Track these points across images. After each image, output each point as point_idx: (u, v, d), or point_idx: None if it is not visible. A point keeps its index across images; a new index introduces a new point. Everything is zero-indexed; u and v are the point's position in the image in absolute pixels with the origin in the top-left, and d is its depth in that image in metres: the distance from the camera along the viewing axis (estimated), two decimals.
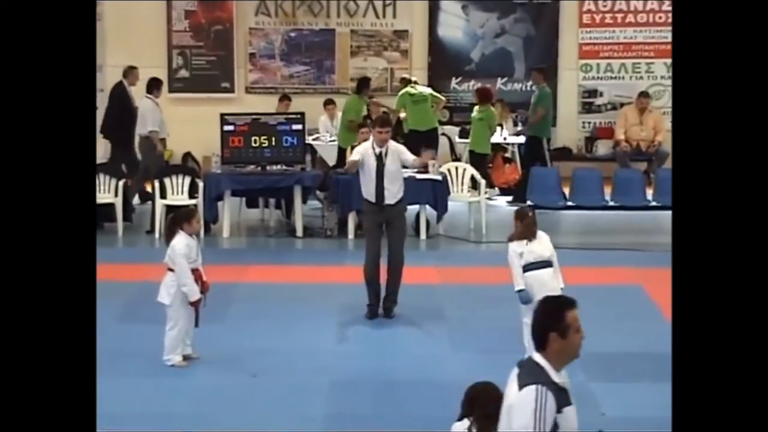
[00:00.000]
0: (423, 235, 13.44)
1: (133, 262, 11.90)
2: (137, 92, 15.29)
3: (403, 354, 8.86)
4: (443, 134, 17.27)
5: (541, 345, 4.28)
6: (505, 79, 18.67)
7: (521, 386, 4.19)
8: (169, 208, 12.27)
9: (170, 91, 17.56)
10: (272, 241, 13.69)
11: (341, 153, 15.19)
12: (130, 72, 15.34)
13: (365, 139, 10.61)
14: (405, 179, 10.13)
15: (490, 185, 16.20)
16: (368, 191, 9.80)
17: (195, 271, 8.34)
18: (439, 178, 13.43)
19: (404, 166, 10.03)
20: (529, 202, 14.28)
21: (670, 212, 13.71)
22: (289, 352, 8.76)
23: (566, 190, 15.85)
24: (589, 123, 18.78)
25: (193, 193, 13.64)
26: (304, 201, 13.89)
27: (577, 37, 18.59)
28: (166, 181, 13.65)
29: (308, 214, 14.16)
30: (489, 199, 15.94)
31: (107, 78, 16.89)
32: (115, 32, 17.81)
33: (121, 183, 13.79)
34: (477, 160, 15.79)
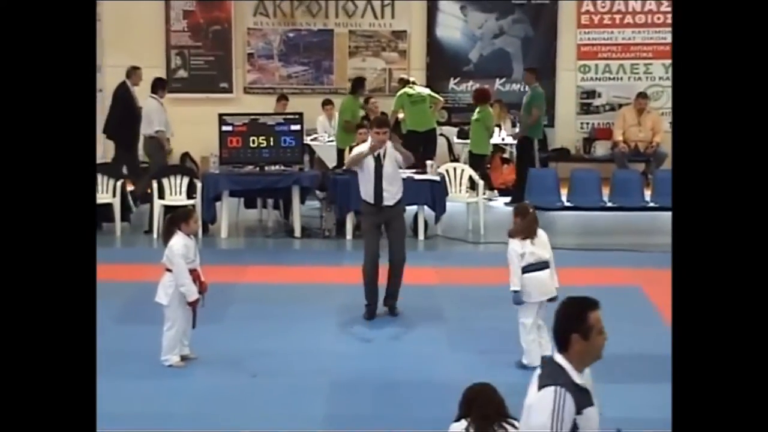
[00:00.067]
0: (421, 236, 13.44)
1: (131, 263, 11.89)
2: (139, 92, 15.29)
3: (402, 354, 8.85)
4: (441, 135, 17.28)
5: (563, 346, 4.27)
6: (504, 79, 18.70)
7: (540, 387, 4.19)
8: (167, 209, 12.27)
9: (168, 91, 17.45)
10: (270, 242, 13.69)
11: (340, 154, 15.19)
12: (133, 72, 15.33)
13: (364, 140, 10.60)
14: (403, 180, 10.13)
15: (490, 187, 16.21)
16: (367, 192, 9.79)
17: (193, 272, 8.33)
18: (437, 178, 13.44)
19: (399, 166, 10.02)
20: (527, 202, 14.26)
21: (668, 213, 13.85)
22: (288, 353, 8.75)
23: (564, 191, 15.85)
24: (588, 124, 18.79)
25: (191, 193, 13.64)
26: (303, 201, 13.90)
27: (575, 37, 18.61)
28: (165, 181, 13.65)
29: (306, 215, 14.16)
30: (489, 199, 15.98)
31: (106, 78, 16.89)
32: (113, 32, 17.83)
33: (119, 183, 13.79)
34: (476, 160, 15.81)
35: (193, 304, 8.29)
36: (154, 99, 14.80)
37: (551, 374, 4.21)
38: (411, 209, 12.49)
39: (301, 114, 14.13)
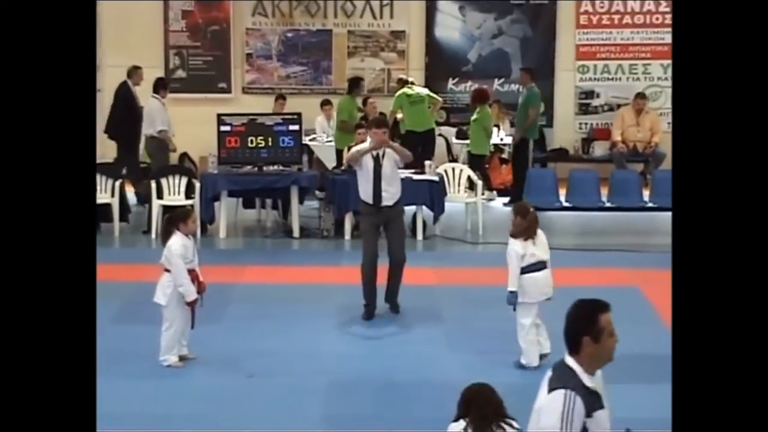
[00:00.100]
0: (420, 236, 13.44)
1: (129, 263, 11.88)
2: (140, 92, 15.28)
3: (400, 355, 8.85)
4: (440, 135, 17.27)
5: (574, 349, 4.27)
6: (502, 79, 18.71)
7: (550, 390, 4.19)
8: (166, 209, 12.27)
9: None
10: (269, 242, 13.68)
11: (338, 154, 15.19)
12: (134, 72, 15.32)
13: (362, 140, 10.60)
14: (402, 180, 10.12)
15: (489, 187, 16.21)
16: (366, 192, 9.78)
17: (191, 272, 8.32)
18: (436, 178, 13.44)
19: (398, 166, 10.01)
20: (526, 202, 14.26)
21: (666, 213, 13.86)
22: (286, 353, 8.75)
23: (563, 191, 15.85)
24: (586, 124, 18.80)
25: (189, 193, 13.63)
26: (301, 201, 13.90)
27: (574, 38, 18.62)
28: (163, 181, 13.64)
29: (305, 215, 14.16)
30: (489, 200, 15.98)
31: (104, 78, 16.88)
32: (112, 32, 17.81)
33: (117, 183, 13.78)
34: (476, 161, 15.81)
35: (191, 304, 8.29)
36: (156, 99, 14.80)
37: (561, 377, 4.21)
38: (409, 209, 12.49)
39: (299, 114, 14.12)
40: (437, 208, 13.43)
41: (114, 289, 10.14)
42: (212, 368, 8.37)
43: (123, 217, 13.99)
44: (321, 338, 9.23)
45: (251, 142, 13.52)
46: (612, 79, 18.69)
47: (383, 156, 9.69)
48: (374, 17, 18.65)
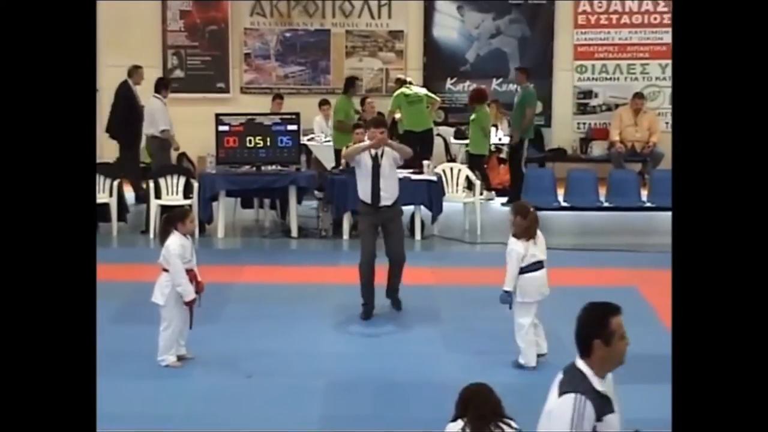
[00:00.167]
0: (418, 236, 13.44)
1: (127, 263, 11.86)
2: (140, 91, 15.26)
3: (398, 355, 8.85)
4: (438, 135, 17.27)
5: (584, 352, 4.26)
6: (500, 79, 18.70)
7: (561, 393, 4.18)
8: (164, 209, 12.26)
9: None
10: (267, 242, 13.68)
11: (337, 154, 15.18)
12: (135, 71, 15.31)
13: (361, 140, 10.60)
14: (400, 180, 10.12)
15: (488, 187, 16.21)
16: (364, 192, 9.78)
17: (189, 272, 8.32)
18: (434, 178, 13.44)
19: (399, 166, 10.00)
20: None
21: (665, 213, 13.86)
22: (285, 353, 8.75)
23: (561, 191, 15.85)
24: (584, 124, 18.80)
25: (187, 193, 13.62)
26: (299, 201, 13.90)
27: (572, 38, 18.61)
28: (161, 181, 13.63)
29: (303, 215, 14.16)
30: (488, 199, 15.98)
31: (102, 78, 16.85)
32: (110, 32, 17.78)
33: (116, 183, 13.77)
34: (475, 161, 15.81)
35: (189, 304, 8.29)
36: (158, 99, 14.79)
37: (572, 380, 4.20)
38: (408, 209, 12.49)
39: (297, 114, 14.12)
40: (435, 208, 13.43)
41: (112, 289, 10.12)
42: (211, 368, 8.37)
43: (121, 217, 13.98)
44: (319, 338, 9.23)
45: (249, 142, 13.53)
46: (610, 79, 18.68)
47: (382, 155, 9.69)
48: (372, 17, 18.65)
